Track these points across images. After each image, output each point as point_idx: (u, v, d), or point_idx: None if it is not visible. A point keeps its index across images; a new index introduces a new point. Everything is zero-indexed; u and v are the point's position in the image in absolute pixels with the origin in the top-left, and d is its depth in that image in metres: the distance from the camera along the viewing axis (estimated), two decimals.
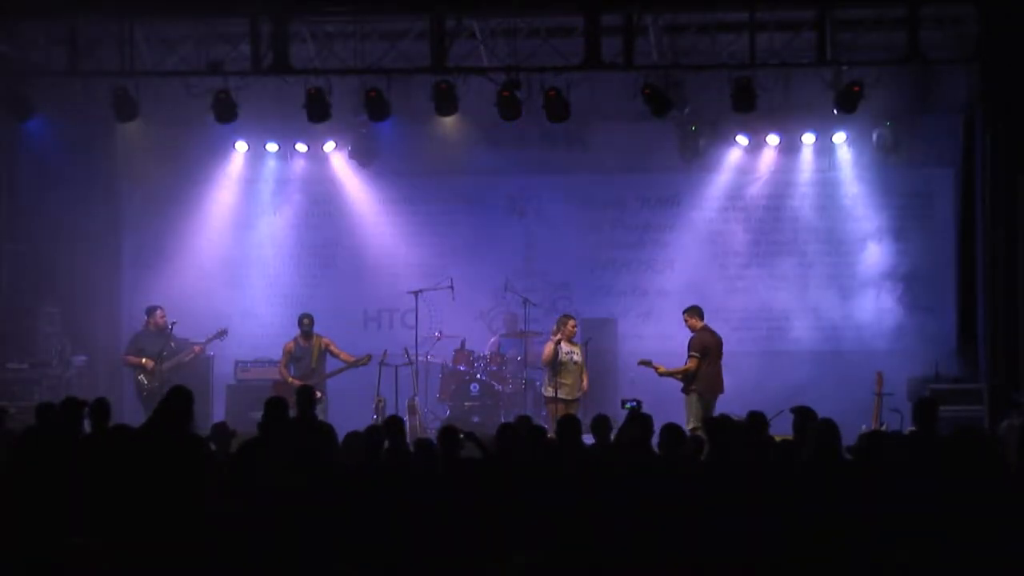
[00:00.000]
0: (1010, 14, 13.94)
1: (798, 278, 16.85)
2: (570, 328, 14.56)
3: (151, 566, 7.96)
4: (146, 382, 15.06)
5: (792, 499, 8.12)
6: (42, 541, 8.24)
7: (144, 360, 15.13)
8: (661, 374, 14.14)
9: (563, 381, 14.36)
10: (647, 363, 14.16)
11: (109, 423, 9.62)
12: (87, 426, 9.98)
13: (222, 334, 15.59)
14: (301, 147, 17.09)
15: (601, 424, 10.21)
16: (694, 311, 14.38)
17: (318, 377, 14.93)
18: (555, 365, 14.35)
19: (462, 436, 9.54)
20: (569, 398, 14.40)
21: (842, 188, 16.82)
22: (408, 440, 10.73)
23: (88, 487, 8.52)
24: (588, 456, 9.56)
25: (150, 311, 15.44)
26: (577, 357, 14.63)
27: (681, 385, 14.15)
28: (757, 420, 10.01)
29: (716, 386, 14.08)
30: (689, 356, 14.04)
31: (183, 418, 8.76)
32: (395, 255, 17.22)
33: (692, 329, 14.29)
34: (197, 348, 15.46)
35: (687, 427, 13.08)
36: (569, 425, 9.66)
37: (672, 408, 13.57)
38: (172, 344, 15.35)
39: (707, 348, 14.05)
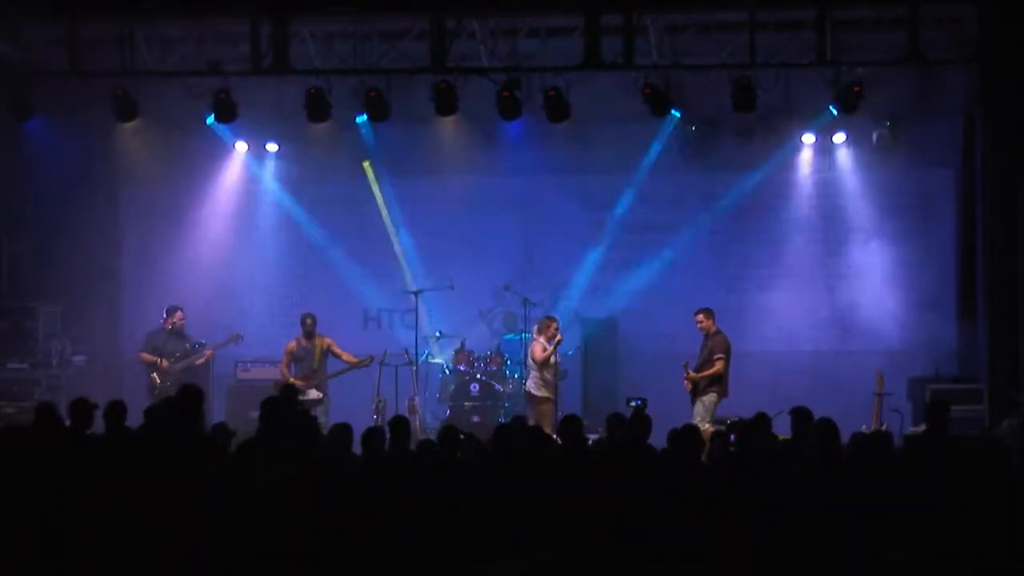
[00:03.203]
0: (1010, 14, 13.94)
1: (798, 278, 16.85)
2: (553, 330, 14.59)
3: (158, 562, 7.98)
4: (159, 381, 15.11)
5: (793, 499, 8.12)
6: (52, 539, 8.27)
7: (159, 360, 15.18)
8: (692, 378, 14.08)
9: (553, 381, 14.41)
10: (686, 366, 14.16)
11: (124, 424, 9.62)
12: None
13: (237, 338, 15.64)
14: (302, 147, 17.07)
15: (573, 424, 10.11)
16: (710, 313, 14.32)
17: (320, 378, 14.93)
18: (547, 366, 14.38)
19: (463, 437, 9.54)
20: (555, 398, 14.47)
21: (842, 188, 16.82)
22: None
23: (99, 489, 8.54)
24: (590, 455, 9.56)
25: (170, 311, 15.44)
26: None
27: (689, 387, 14.12)
28: (761, 421, 10.02)
29: (728, 387, 14.11)
30: (716, 358, 13.99)
31: (194, 417, 8.81)
32: (395, 255, 17.23)
33: (706, 331, 14.23)
34: (208, 352, 15.50)
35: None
36: (573, 424, 9.68)
37: (674, 405, 13.64)
38: (187, 346, 15.42)
39: (729, 349, 14.07)
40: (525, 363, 15.12)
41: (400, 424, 9.90)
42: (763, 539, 7.88)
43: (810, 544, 7.85)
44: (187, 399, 8.97)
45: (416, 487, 8.56)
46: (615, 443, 9.85)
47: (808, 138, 16.41)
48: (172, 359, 15.19)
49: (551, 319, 14.77)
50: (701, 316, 14.31)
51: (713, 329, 14.23)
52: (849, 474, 8.43)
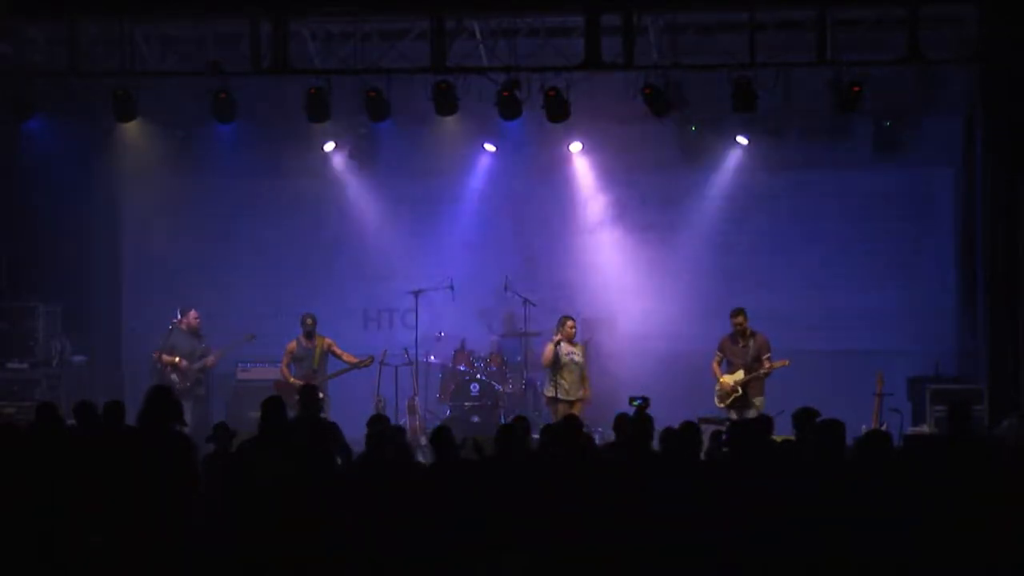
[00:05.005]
0: (1010, 14, 13.92)
1: (798, 278, 16.85)
2: (568, 329, 14.52)
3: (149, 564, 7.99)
4: (178, 381, 15.14)
5: (795, 499, 8.13)
6: (51, 538, 8.28)
7: (178, 359, 15.24)
8: (740, 382, 14.07)
9: (562, 382, 14.35)
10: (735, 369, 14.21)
11: (123, 424, 9.63)
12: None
13: (250, 338, 15.71)
14: (301, 147, 17.06)
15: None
16: (746, 312, 14.33)
17: (320, 378, 14.94)
18: (555, 366, 14.34)
19: (462, 439, 9.56)
20: (570, 398, 14.39)
21: (842, 188, 16.82)
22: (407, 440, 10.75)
23: (91, 486, 8.56)
24: (589, 456, 9.56)
25: (184, 311, 15.56)
26: (577, 357, 14.58)
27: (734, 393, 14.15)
28: (759, 422, 10.03)
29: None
30: (766, 358, 14.06)
31: (166, 417, 8.80)
32: (395, 255, 17.23)
33: (745, 331, 14.24)
34: (216, 354, 15.57)
35: None
36: (569, 425, 9.67)
37: (673, 405, 13.63)
38: (203, 345, 15.50)
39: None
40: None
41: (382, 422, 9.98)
42: (764, 537, 7.89)
43: (808, 544, 7.86)
44: (155, 400, 8.94)
45: (416, 486, 8.57)
46: (620, 443, 9.89)
47: (807, 138, 16.38)
48: (190, 359, 15.26)
49: (567, 318, 14.64)
50: (742, 318, 14.26)
51: (750, 330, 14.24)
52: (847, 474, 8.43)
